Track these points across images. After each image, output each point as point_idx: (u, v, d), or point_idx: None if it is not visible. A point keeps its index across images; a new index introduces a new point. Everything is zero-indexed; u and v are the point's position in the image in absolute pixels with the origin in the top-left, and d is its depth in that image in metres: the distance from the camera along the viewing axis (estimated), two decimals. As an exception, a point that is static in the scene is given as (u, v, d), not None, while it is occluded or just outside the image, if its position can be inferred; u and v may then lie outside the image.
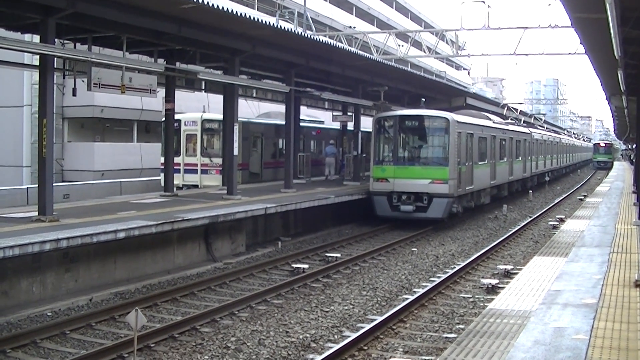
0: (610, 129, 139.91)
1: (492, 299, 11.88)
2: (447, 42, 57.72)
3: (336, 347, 11.63)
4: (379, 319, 13.39)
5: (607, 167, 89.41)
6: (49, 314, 14.34)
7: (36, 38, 19.85)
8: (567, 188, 54.91)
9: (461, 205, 28.86)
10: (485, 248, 22.43)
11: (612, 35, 15.60)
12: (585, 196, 39.52)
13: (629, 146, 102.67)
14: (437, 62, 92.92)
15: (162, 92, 24.63)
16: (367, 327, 12.82)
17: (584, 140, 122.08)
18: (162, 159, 27.11)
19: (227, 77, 24.76)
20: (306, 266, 19.15)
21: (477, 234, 27.01)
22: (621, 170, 66.13)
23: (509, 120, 47.15)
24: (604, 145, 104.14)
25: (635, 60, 21.39)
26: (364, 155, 35.64)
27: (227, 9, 19.40)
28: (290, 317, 14.27)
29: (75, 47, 21.51)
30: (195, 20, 20.36)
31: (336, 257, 20.76)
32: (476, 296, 16.17)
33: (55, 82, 19.56)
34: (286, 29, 24.55)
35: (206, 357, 11.67)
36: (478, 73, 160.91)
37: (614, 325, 8.81)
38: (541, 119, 72.08)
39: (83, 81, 19.80)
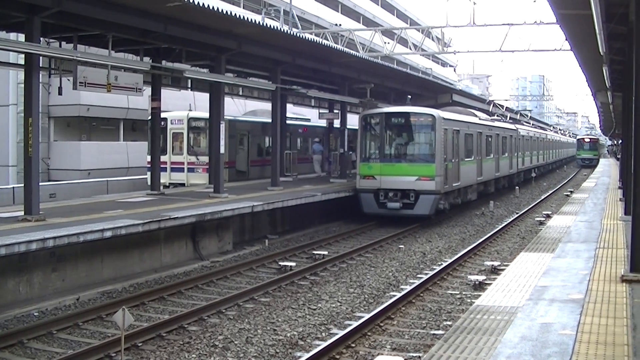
0: (596, 125, 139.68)
1: (479, 295, 11.91)
2: (433, 39, 57.98)
3: (324, 344, 11.63)
4: (367, 316, 13.41)
5: (592, 165, 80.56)
6: (35, 313, 14.30)
7: (21, 37, 19.75)
8: (554, 184, 55.07)
9: (448, 202, 28.93)
10: (472, 244, 22.48)
11: (597, 31, 15.69)
12: (571, 192, 39.62)
13: (615, 142, 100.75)
14: (423, 59, 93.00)
15: (148, 90, 24.58)
16: (355, 324, 12.83)
17: (570, 136, 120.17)
18: (149, 158, 27.07)
19: (213, 75, 24.74)
20: (293, 264, 19.15)
21: (464, 230, 27.07)
22: (607, 166, 66.31)
23: (495, 117, 47.23)
24: (588, 140, 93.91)
25: (620, 56, 21.50)
26: (351, 152, 35.65)
27: (213, 7, 19.38)
28: (277, 315, 14.28)
29: (60, 45, 21.45)
30: (181, 19, 20.33)
31: (323, 254, 20.77)
32: (463, 292, 16.21)
33: (40, 81, 19.45)
34: (272, 27, 24.52)
35: (194, 355, 11.66)
36: (464, 70, 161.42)
37: (601, 320, 8.84)
38: (527, 116, 72.19)
39: (69, 80, 19.74)
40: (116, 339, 11.63)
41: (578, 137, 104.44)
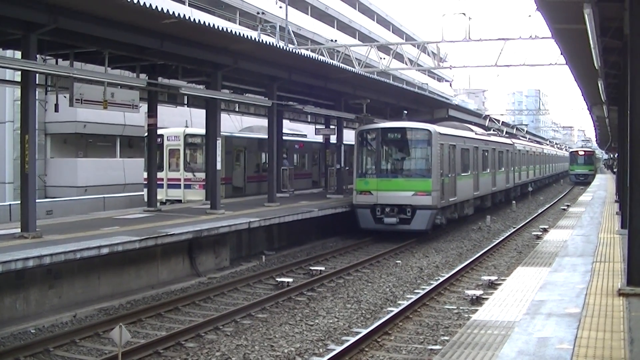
0: (593, 139, 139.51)
1: (477, 310, 11.88)
2: (428, 55, 57.87)
3: (321, 360, 11.63)
4: (364, 331, 13.39)
5: (587, 182, 71.19)
6: (32, 331, 14.27)
7: (18, 54, 19.80)
8: (550, 198, 55.12)
9: (445, 217, 28.91)
10: (469, 259, 22.47)
11: (592, 45, 15.73)
12: (568, 206, 39.67)
13: (611, 155, 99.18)
14: (419, 74, 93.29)
15: (144, 107, 24.60)
16: (352, 340, 12.82)
17: (566, 150, 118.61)
18: (145, 174, 27.07)
19: (210, 91, 24.76)
20: (290, 280, 19.12)
21: (461, 245, 27.06)
22: (603, 179, 66.30)
23: (492, 132, 47.33)
24: (583, 153, 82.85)
25: (615, 69, 21.55)
26: (347, 168, 35.68)
27: (209, 23, 19.45)
28: (275, 331, 14.25)
29: (57, 62, 21.46)
30: (177, 35, 20.38)
31: (320, 270, 20.76)
32: (460, 307, 16.20)
33: (37, 98, 19.48)
34: (268, 43, 24.60)
35: (191, 372, 11.64)
36: (460, 85, 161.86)
37: (598, 334, 8.84)
38: (523, 130, 72.25)
39: (65, 97, 19.77)
40: (113, 356, 11.61)
41: (571, 150, 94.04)
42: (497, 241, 27.02)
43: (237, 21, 54.41)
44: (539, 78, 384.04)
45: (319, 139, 40.93)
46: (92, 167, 39.44)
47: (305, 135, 44.59)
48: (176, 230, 18.99)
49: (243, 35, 21.71)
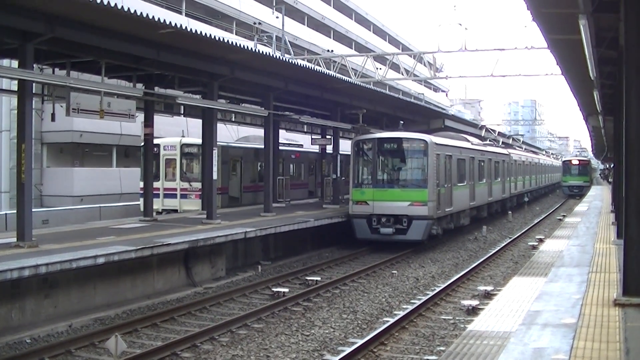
0: (588, 149, 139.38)
1: (472, 320, 11.88)
2: (425, 65, 58.18)
3: (317, 370, 11.60)
4: (360, 342, 13.38)
5: (581, 194, 67.49)
6: (27, 340, 14.23)
7: (14, 63, 19.82)
8: (546, 208, 55.13)
9: (441, 227, 28.90)
10: (465, 269, 22.46)
11: (587, 56, 15.78)
12: (564, 216, 39.67)
13: (607, 166, 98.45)
14: (415, 84, 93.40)
15: (140, 116, 24.62)
16: (348, 350, 12.81)
17: (562, 160, 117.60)
18: (142, 184, 27.05)
19: (206, 101, 24.78)
20: (286, 290, 19.10)
21: (457, 255, 27.04)
22: (599, 190, 66.28)
23: (488, 142, 47.35)
24: (577, 163, 76.50)
25: (610, 80, 21.60)
26: (343, 178, 35.70)
27: (205, 33, 19.48)
28: (270, 341, 14.23)
29: (53, 72, 21.50)
30: (173, 45, 20.40)
31: (316, 280, 20.73)
32: (456, 318, 16.19)
33: (34, 107, 19.48)
34: (264, 53, 24.63)
35: (187, 382, 11.61)
36: (456, 95, 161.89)
37: (594, 344, 8.83)
38: (519, 140, 72.28)
39: (62, 106, 19.78)
40: (109, 366, 11.59)
41: (564, 159, 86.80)
42: (493, 251, 27.01)
43: (234, 31, 54.45)
44: (535, 88, 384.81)
45: (315, 149, 40.99)
46: (88, 177, 39.43)
47: (301, 145, 44.64)
48: (172, 240, 18.98)
49: (240, 45, 21.74)
